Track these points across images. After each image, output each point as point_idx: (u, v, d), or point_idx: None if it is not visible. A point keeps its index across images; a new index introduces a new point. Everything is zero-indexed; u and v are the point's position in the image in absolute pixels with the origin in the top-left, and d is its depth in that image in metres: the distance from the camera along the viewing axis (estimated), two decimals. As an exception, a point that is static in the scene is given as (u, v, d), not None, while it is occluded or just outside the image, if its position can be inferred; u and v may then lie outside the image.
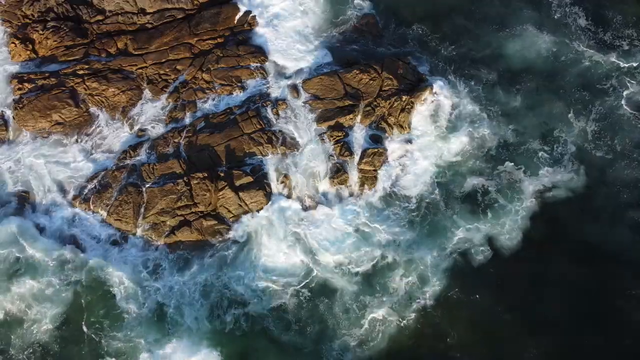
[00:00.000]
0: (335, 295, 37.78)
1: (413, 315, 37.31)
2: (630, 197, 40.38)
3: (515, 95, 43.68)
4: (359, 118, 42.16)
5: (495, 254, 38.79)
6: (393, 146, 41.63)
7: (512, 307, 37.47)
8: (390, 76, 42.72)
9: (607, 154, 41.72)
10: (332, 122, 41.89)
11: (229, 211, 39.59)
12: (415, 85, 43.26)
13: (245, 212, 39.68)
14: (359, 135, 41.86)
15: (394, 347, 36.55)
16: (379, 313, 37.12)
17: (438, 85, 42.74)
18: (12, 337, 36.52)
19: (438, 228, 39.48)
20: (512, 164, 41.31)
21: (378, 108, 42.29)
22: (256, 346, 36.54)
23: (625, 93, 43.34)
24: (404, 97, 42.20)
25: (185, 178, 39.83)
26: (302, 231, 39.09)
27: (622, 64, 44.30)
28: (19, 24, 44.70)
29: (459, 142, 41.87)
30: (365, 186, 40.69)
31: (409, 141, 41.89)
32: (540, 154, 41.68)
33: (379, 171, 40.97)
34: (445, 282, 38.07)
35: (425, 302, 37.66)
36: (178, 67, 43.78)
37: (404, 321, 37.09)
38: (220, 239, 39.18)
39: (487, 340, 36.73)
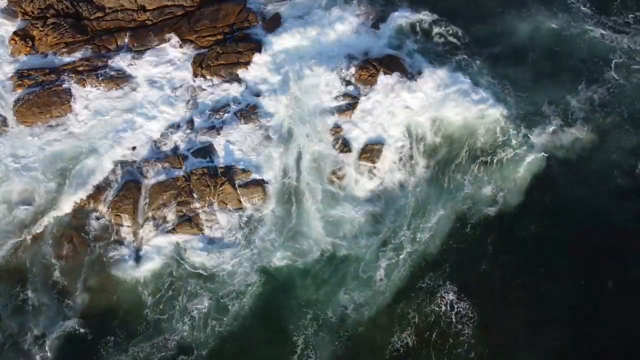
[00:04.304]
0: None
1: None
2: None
3: (522, 67, 43.82)
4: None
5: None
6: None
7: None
8: (389, 72, 42.83)
9: (615, 119, 41.71)
10: (331, 119, 42.09)
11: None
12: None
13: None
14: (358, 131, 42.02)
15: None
16: None
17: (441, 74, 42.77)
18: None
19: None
20: (522, 128, 41.25)
21: (377, 104, 42.51)
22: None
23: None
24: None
25: (184, 174, 40.04)
26: None
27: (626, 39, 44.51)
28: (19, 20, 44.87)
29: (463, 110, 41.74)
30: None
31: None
32: (549, 118, 41.67)
33: None
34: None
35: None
36: (178, 63, 44.00)
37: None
38: None
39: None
